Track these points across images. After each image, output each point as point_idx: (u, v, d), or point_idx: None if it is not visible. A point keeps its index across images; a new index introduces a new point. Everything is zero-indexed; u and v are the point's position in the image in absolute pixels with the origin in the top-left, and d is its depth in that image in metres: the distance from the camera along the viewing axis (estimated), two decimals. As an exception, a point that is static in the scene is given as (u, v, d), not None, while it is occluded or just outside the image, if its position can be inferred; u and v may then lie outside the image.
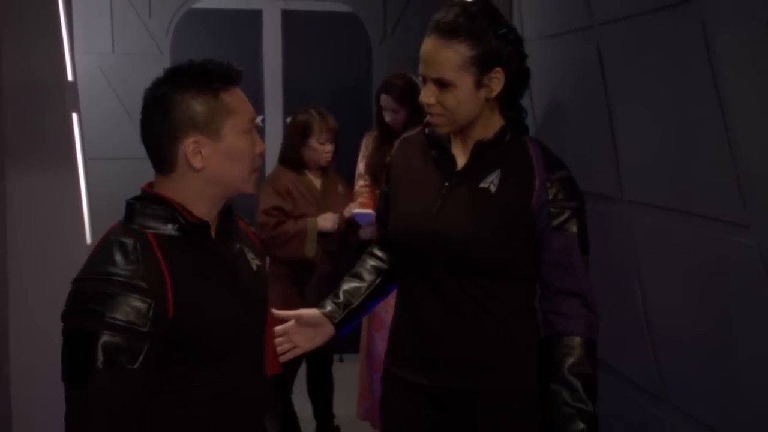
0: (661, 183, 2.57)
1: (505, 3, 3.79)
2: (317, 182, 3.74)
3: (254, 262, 1.79)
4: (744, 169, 2.12)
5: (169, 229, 1.64)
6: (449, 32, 1.93)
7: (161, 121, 1.63)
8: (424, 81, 1.99)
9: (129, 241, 1.59)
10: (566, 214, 1.97)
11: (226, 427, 1.67)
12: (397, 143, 2.23)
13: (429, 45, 1.96)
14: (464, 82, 1.94)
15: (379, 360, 3.69)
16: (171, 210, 1.65)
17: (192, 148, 1.62)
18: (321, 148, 3.67)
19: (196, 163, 1.63)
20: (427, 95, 1.97)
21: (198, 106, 1.62)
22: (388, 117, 3.77)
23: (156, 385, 1.59)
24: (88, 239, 4.14)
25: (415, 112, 3.63)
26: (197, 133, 1.62)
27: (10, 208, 3.94)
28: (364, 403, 3.83)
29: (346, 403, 3.91)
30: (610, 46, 2.88)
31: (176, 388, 1.62)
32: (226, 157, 1.65)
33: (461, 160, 2.04)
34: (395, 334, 2.17)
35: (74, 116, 4.12)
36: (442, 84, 1.94)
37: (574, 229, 1.98)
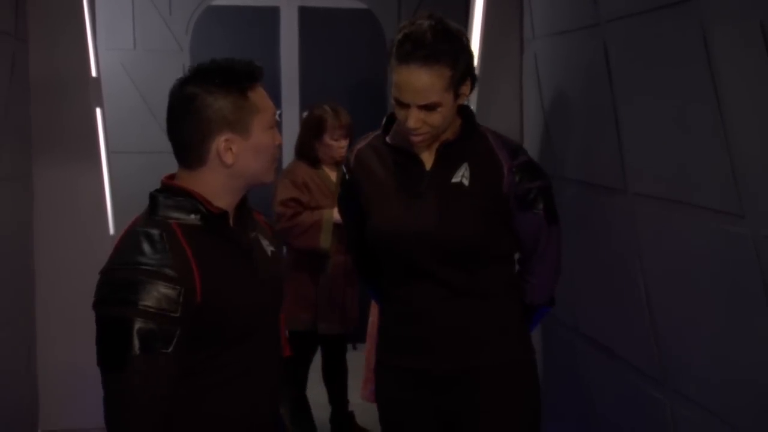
0: (663, 175, 2.67)
1: (517, 1, 3.89)
2: (332, 175, 3.85)
3: (269, 249, 1.89)
4: (739, 161, 2.22)
5: (192, 219, 1.73)
6: (431, 58, 2.02)
7: (191, 119, 1.71)
8: (406, 106, 2.07)
9: (155, 232, 1.68)
10: (532, 194, 2.17)
11: (248, 402, 1.77)
12: (353, 156, 2.33)
13: (409, 74, 2.03)
14: (448, 99, 2.08)
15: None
16: (193, 201, 1.73)
17: (224, 146, 1.71)
18: (335, 144, 3.78)
19: (228, 159, 1.72)
20: (414, 121, 2.07)
21: (228, 105, 1.70)
22: None
23: (185, 366, 1.68)
24: (111, 230, 4.28)
25: None
26: (228, 131, 1.71)
27: (36, 198, 4.09)
28: (369, 385, 3.95)
29: (358, 389, 4.02)
30: (615, 43, 2.98)
31: (203, 368, 1.72)
32: (254, 152, 1.74)
33: (428, 161, 2.17)
34: (385, 327, 2.28)
35: (98, 111, 4.27)
36: (428, 107, 2.05)
37: (540, 206, 2.19)
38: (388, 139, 2.20)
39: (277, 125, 1.82)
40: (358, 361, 4.10)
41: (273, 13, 5.57)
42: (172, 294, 1.62)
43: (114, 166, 4.44)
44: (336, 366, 4.04)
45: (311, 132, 3.79)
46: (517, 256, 2.42)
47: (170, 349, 1.62)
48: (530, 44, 3.92)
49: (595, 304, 3.12)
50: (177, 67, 5.45)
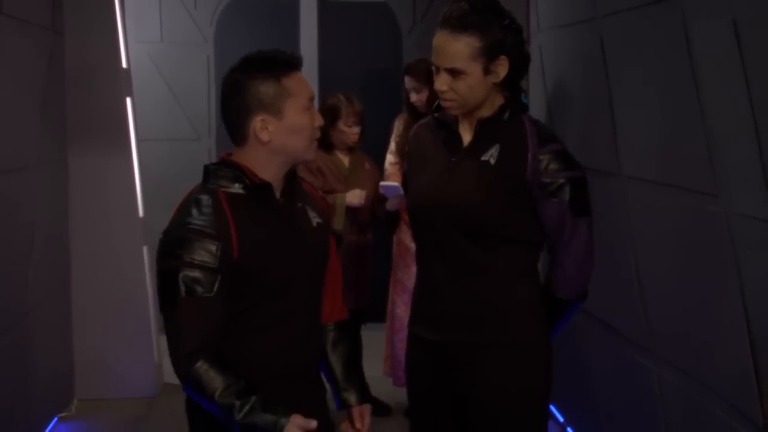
0: (651, 159, 2.88)
1: (524, -5, 4.10)
2: (345, 160, 4.08)
3: (315, 220, 2.08)
4: (714, 145, 2.43)
5: (237, 187, 1.97)
6: (460, 26, 2.15)
7: (234, 102, 1.96)
8: (438, 70, 2.21)
9: (204, 197, 1.95)
10: (558, 183, 2.16)
11: (285, 345, 2.01)
12: (412, 130, 2.48)
13: (441, 38, 2.19)
14: (474, 70, 2.16)
15: (399, 322, 4.05)
16: (238, 172, 1.97)
17: (260, 125, 1.94)
18: (348, 131, 4.00)
19: (264, 137, 1.94)
20: (441, 83, 2.20)
21: (263, 89, 1.94)
22: (413, 97, 4.09)
23: (230, 311, 1.93)
24: (141, 212, 4.53)
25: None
26: (264, 112, 1.94)
27: (71, 183, 4.34)
28: (389, 362, 4.19)
29: (366, 365, 4.26)
30: (610, 36, 3.19)
31: (246, 315, 1.96)
32: (289, 132, 1.95)
33: (467, 138, 2.26)
34: (414, 298, 2.39)
35: (128, 100, 4.51)
36: (454, 72, 2.17)
37: (566, 197, 2.16)
38: (437, 114, 2.33)
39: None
40: (367, 339, 4.31)
41: (293, 7, 5.75)
42: (213, 249, 1.88)
43: (142, 152, 4.68)
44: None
45: (326, 119, 4.01)
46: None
47: (213, 294, 1.88)
48: (535, 36, 4.13)
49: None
50: (201, 58, 5.69)
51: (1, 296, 3.33)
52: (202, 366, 1.87)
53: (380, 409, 4.18)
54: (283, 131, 1.95)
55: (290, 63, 1.97)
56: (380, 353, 4.29)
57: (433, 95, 3.93)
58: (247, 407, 1.84)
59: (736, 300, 2.35)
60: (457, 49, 2.16)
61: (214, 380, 1.86)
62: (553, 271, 2.29)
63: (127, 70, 4.56)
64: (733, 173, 2.35)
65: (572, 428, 3.88)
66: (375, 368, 4.29)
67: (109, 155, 4.41)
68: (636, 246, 3.01)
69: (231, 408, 1.84)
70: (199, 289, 1.88)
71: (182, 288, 1.88)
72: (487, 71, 2.18)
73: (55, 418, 4.15)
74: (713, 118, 2.43)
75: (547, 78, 3.89)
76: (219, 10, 5.70)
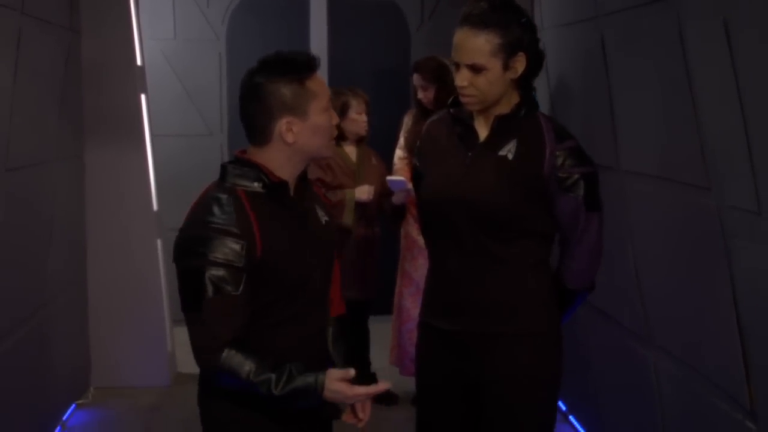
0: (648, 154, 2.97)
1: (528, -6, 4.19)
2: (353, 155, 4.19)
3: (323, 218, 2.14)
4: (706, 140, 2.52)
5: (256, 186, 1.99)
6: (480, 23, 2.21)
7: (258, 105, 2.00)
8: (458, 66, 2.26)
9: (224, 196, 1.95)
10: (574, 179, 2.23)
11: (299, 338, 2.04)
12: (425, 128, 2.48)
13: (462, 35, 2.24)
14: (494, 66, 2.21)
15: (406, 313, 4.16)
16: (258, 171, 1.99)
17: (285, 127, 1.98)
18: (359, 118, 4.13)
19: (289, 138, 1.98)
20: (462, 78, 2.24)
21: (288, 92, 1.97)
22: (420, 94, 4.19)
23: (252, 309, 1.95)
24: (155, 206, 4.64)
25: (444, 89, 4.05)
26: (289, 114, 1.97)
27: (87, 177, 4.46)
28: (396, 352, 4.29)
29: (373, 355, 4.37)
30: (611, 34, 3.27)
31: (267, 311, 1.99)
32: (312, 131, 2.00)
33: (483, 134, 2.32)
34: (427, 288, 2.44)
35: (142, 96, 4.61)
36: (475, 69, 2.22)
37: (581, 192, 2.24)
38: (452, 110, 2.37)
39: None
40: (375, 330, 4.42)
41: (304, 5, 5.84)
42: (237, 247, 1.90)
43: (156, 148, 4.78)
44: (357, 329, 4.35)
45: (336, 112, 4.13)
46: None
47: (239, 292, 1.91)
48: (539, 34, 4.22)
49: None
50: (214, 55, 5.80)
51: (21, 288, 3.44)
52: (229, 354, 1.89)
53: (387, 398, 4.28)
54: (308, 132, 1.99)
55: (310, 65, 2.00)
56: (387, 344, 4.39)
57: (440, 93, 4.09)
58: (284, 377, 1.88)
59: (726, 289, 2.44)
60: (478, 45, 2.21)
61: (245, 363, 1.89)
62: (564, 263, 2.36)
63: (142, 68, 4.66)
64: (725, 167, 2.44)
65: (574, 417, 3.98)
66: (382, 358, 4.41)
67: (124, 151, 4.52)
68: (634, 238, 3.10)
69: (269, 383, 1.88)
70: (228, 288, 1.90)
71: (209, 287, 1.89)
72: (506, 67, 2.23)
73: (73, 405, 4.28)
74: (706, 114, 2.52)
75: (551, 75, 3.98)
76: (231, 8, 5.80)
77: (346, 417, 2.15)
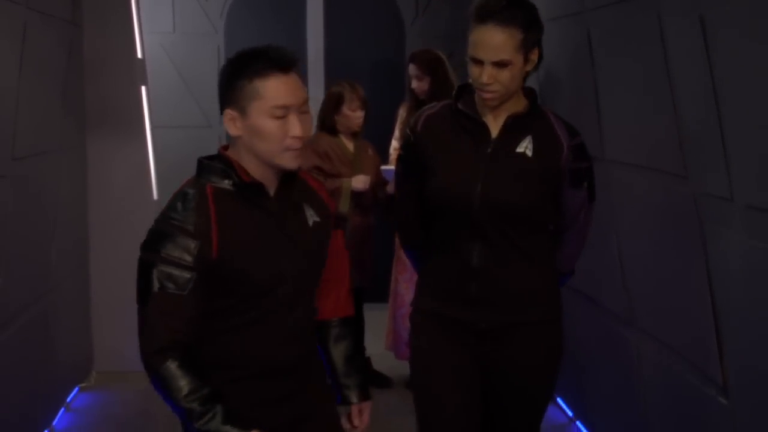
0: (630, 144, 3.09)
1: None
2: (350, 146, 4.31)
3: (312, 219, 2.02)
4: (684, 130, 2.64)
5: (226, 184, 1.91)
6: (506, 20, 2.21)
7: (220, 92, 1.98)
8: (479, 63, 2.23)
9: (191, 191, 1.90)
10: (581, 173, 2.32)
11: (264, 346, 1.96)
12: (420, 120, 2.42)
13: (486, 32, 2.21)
14: (518, 60, 2.24)
15: (401, 299, 4.28)
16: (228, 168, 1.91)
17: (228, 117, 1.92)
18: (353, 115, 4.23)
19: (232, 131, 1.92)
20: (488, 75, 2.21)
21: (236, 85, 1.89)
22: (413, 84, 4.31)
23: (206, 310, 1.90)
24: (155, 196, 4.75)
25: (437, 81, 4.16)
26: (232, 108, 1.91)
27: (90, 167, 4.57)
28: (391, 336, 4.42)
29: (368, 340, 4.48)
30: (596, 29, 3.39)
31: (223, 314, 1.93)
32: (253, 132, 1.89)
33: (494, 130, 2.31)
34: (433, 277, 2.43)
35: (143, 88, 4.72)
36: (500, 65, 2.22)
37: (585, 184, 2.35)
38: (459, 105, 2.36)
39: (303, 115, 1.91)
40: (370, 317, 4.54)
41: (300, -2, 5.96)
42: (190, 246, 1.85)
43: (155, 138, 4.89)
44: (355, 316, 4.47)
45: (331, 105, 4.25)
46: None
47: (186, 292, 1.85)
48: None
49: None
50: (212, 48, 5.89)
51: (26, 274, 3.53)
52: (170, 365, 1.84)
53: (382, 382, 4.41)
54: (248, 130, 1.90)
55: (276, 63, 1.88)
56: (382, 330, 4.52)
57: (434, 85, 4.19)
58: (208, 415, 1.82)
59: (701, 272, 2.56)
60: (504, 41, 2.20)
61: (181, 382, 1.83)
62: (559, 249, 2.44)
63: (142, 60, 4.76)
64: (700, 157, 2.56)
65: (561, 398, 4.11)
66: (378, 344, 4.54)
67: (125, 141, 4.63)
68: (618, 225, 3.22)
69: (192, 413, 1.83)
70: (171, 286, 1.84)
71: (155, 283, 1.85)
72: (525, 60, 2.27)
73: (76, 388, 4.40)
74: (683, 106, 2.64)
75: (540, 68, 4.08)
76: (229, 1, 5.90)
77: (344, 423, 2.15)
